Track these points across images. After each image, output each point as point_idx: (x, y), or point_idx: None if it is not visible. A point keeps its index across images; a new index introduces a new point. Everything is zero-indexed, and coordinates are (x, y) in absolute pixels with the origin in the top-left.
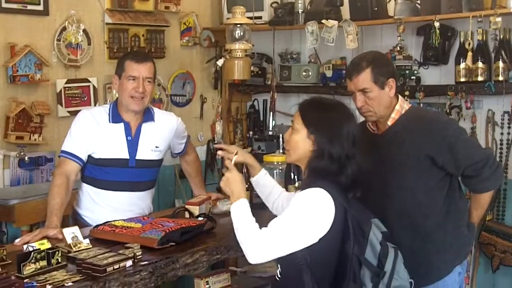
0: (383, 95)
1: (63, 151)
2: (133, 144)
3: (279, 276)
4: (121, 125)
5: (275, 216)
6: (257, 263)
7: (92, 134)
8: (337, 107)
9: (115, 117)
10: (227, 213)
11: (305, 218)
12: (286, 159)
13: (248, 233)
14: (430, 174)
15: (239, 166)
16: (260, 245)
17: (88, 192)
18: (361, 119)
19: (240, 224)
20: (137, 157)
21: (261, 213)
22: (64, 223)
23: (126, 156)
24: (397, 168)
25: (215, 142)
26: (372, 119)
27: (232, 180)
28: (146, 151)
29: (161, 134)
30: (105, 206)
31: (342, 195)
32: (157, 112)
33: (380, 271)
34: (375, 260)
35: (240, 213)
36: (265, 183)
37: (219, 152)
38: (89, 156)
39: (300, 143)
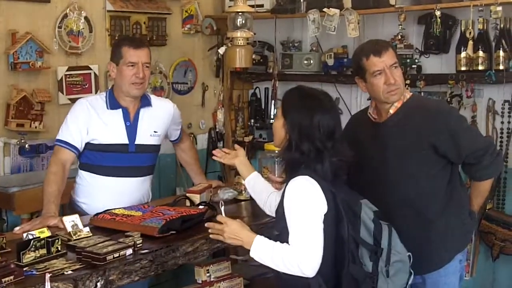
0: (401, 74)
1: (58, 140)
2: (132, 129)
3: None
4: (119, 111)
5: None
6: (316, 271)
7: (89, 122)
8: (314, 97)
9: (113, 103)
10: (228, 201)
11: (306, 206)
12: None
13: (286, 259)
14: (432, 162)
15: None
16: (303, 257)
17: (87, 179)
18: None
19: (273, 260)
20: (136, 142)
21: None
22: (61, 213)
23: (126, 141)
24: (399, 156)
25: (216, 130)
26: (397, 97)
27: (233, 231)
28: (145, 136)
29: (159, 119)
30: (103, 193)
31: (325, 180)
32: (154, 98)
33: (377, 248)
34: (370, 238)
35: (264, 251)
36: (258, 182)
37: (215, 158)
38: (89, 143)
39: (279, 130)
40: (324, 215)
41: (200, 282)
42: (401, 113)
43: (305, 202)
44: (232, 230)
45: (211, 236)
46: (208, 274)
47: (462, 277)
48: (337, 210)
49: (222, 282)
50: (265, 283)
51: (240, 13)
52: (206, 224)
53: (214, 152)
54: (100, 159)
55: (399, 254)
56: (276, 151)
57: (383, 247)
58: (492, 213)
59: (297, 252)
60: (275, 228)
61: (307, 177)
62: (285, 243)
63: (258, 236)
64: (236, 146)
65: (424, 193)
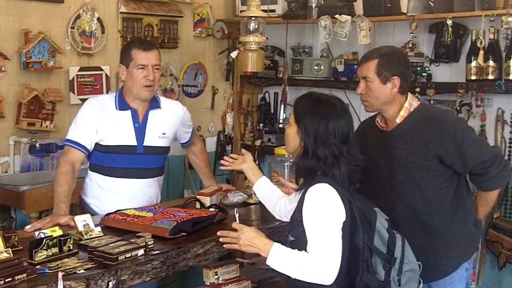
0: (383, 90)
1: (68, 140)
2: (140, 131)
3: None
4: (128, 112)
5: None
6: (334, 279)
7: (98, 122)
8: (328, 103)
9: (122, 104)
10: (238, 205)
11: (326, 214)
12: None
13: (305, 268)
14: (438, 172)
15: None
16: (322, 266)
17: (96, 180)
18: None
19: (292, 268)
20: (145, 144)
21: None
22: (71, 212)
23: (134, 142)
24: (406, 166)
25: (225, 133)
26: (367, 109)
27: (249, 238)
28: (154, 138)
29: (168, 121)
30: (112, 194)
31: (343, 187)
32: (163, 100)
33: (390, 257)
34: (384, 247)
35: (282, 259)
36: (266, 187)
37: (224, 168)
38: (97, 143)
39: (292, 137)
40: (343, 223)
41: (208, 284)
42: (407, 122)
43: (325, 210)
44: (248, 237)
45: (224, 245)
46: (216, 277)
47: (468, 285)
48: (353, 218)
49: (230, 285)
50: (272, 286)
51: (253, 18)
52: (219, 233)
53: (222, 161)
54: (109, 160)
55: (410, 263)
56: (286, 156)
57: (396, 256)
58: (499, 222)
59: (317, 260)
60: (290, 234)
61: (326, 184)
62: (303, 251)
63: (276, 243)
64: (243, 150)
65: (430, 203)
